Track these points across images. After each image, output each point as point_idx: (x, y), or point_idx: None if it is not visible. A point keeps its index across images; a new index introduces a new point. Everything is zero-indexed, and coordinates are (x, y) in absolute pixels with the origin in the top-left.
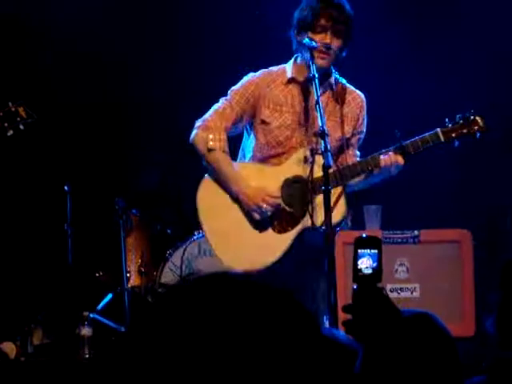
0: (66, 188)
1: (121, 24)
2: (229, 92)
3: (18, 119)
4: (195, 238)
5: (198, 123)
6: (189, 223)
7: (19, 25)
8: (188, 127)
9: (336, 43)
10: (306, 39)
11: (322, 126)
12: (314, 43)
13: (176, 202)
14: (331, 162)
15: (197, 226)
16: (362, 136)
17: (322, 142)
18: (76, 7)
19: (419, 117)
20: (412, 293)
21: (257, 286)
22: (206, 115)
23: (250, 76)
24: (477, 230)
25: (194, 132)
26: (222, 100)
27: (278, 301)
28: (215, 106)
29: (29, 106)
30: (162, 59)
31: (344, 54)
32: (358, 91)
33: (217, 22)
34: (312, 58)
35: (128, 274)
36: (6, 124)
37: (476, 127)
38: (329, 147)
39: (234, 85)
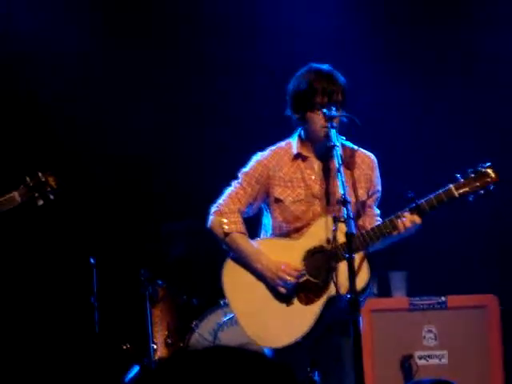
0: (91, 261)
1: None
2: (239, 175)
3: (48, 189)
4: (221, 305)
5: (213, 209)
6: (214, 292)
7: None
8: (214, 196)
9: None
10: (325, 110)
11: (344, 194)
12: (333, 112)
13: (201, 271)
14: (354, 230)
15: (222, 294)
16: (379, 194)
17: (344, 209)
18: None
19: (431, 170)
20: (440, 359)
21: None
22: (220, 200)
23: (259, 156)
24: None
25: (210, 218)
26: (234, 183)
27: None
28: (227, 190)
29: (57, 176)
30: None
31: (345, 120)
32: (367, 152)
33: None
34: (332, 127)
35: (154, 346)
36: (36, 194)
37: (488, 179)
38: (351, 215)
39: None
